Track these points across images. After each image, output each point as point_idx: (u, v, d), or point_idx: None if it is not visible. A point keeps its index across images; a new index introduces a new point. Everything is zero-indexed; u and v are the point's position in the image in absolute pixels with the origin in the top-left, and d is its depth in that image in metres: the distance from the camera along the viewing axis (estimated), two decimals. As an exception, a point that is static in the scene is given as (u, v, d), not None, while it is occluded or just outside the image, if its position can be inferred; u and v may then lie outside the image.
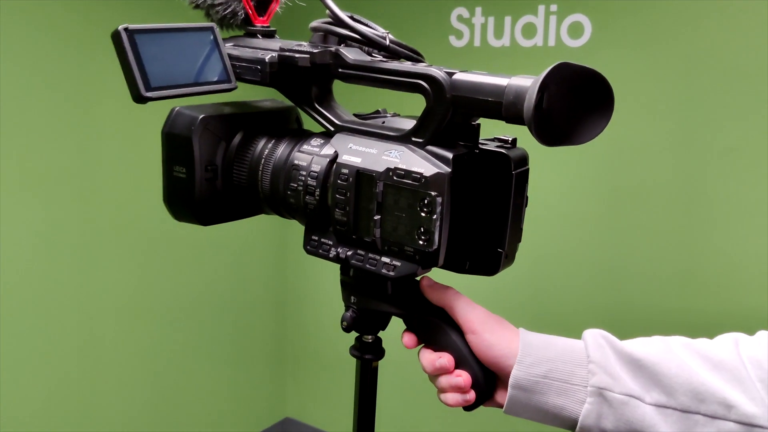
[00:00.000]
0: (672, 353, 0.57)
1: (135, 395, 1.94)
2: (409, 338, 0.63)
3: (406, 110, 0.69)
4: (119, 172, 1.79)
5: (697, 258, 1.55)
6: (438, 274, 0.62)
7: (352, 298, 0.65)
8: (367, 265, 0.61)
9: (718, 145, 1.50)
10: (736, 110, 1.46)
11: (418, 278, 0.64)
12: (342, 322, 0.65)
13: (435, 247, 0.56)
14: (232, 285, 2.18)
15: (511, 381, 0.58)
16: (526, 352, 0.58)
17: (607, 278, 1.68)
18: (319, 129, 0.67)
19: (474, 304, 0.61)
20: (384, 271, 0.60)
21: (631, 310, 1.64)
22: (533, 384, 0.58)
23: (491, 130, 0.61)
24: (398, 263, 0.59)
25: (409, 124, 0.61)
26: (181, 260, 2.00)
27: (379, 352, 0.68)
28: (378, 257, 0.60)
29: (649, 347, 0.58)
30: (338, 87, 0.68)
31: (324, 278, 2.26)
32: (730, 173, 1.49)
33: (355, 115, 0.67)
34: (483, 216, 0.59)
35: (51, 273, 1.68)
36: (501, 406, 0.61)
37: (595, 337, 0.59)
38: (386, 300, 0.63)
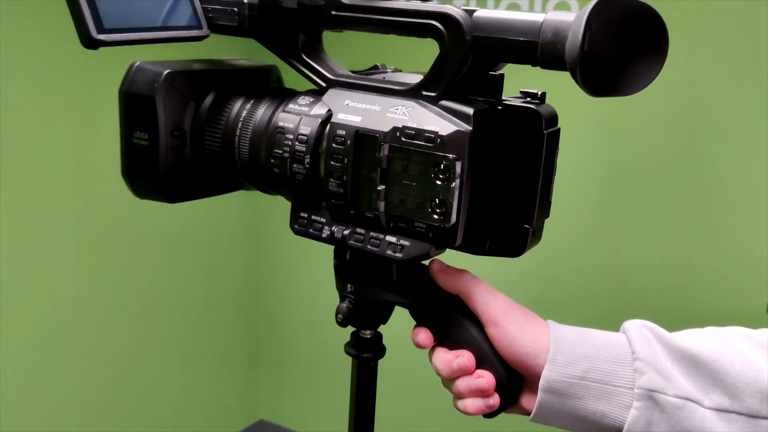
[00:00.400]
0: (733, 347, 0.48)
1: (104, 399, 1.83)
2: (425, 335, 0.53)
3: (408, 68, 0.59)
4: (79, 166, 1.66)
5: (698, 248, 1.49)
6: (448, 259, 0.53)
7: (349, 286, 0.55)
8: (369, 246, 0.51)
9: (720, 129, 1.43)
10: (739, 93, 1.40)
11: (427, 262, 0.54)
12: (337, 314, 0.55)
13: (452, 221, 0.47)
14: (201, 283, 2.07)
15: (541, 383, 0.49)
16: (559, 348, 0.49)
17: (606, 268, 1.61)
18: (306, 88, 0.56)
19: (495, 291, 0.52)
20: (389, 252, 0.50)
21: (631, 302, 1.57)
22: (568, 387, 0.48)
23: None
24: (406, 243, 0.49)
25: (416, 79, 0.51)
26: (148, 256, 1.88)
27: (380, 350, 0.58)
28: (382, 236, 0.50)
29: (704, 340, 0.49)
30: (325, 43, 0.58)
31: (300, 274, 2.17)
32: (734, 157, 1.42)
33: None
34: (507, 185, 0.50)
35: (17, 272, 1.56)
36: (527, 413, 0.52)
37: (639, 328, 0.50)
38: (391, 288, 0.53)
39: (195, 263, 2.04)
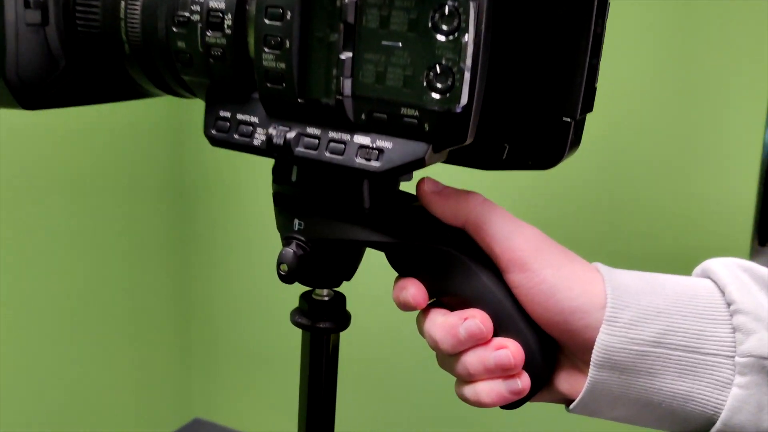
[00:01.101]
0: None
1: (25, 401, 1.61)
2: (416, 289, 0.35)
3: None
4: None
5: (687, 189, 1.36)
6: (440, 174, 0.35)
7: (297, 222, 0.37)
8: (327, 154, 0.33)
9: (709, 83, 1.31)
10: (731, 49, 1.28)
11: (415, 180, 0.36)
12: (279, 264, 0.37)
13: (463, 102, 0.29)
14: (126, 274, 1.86)
15: (596, 355, 0.32)
16: (621, 301, 0.32)
17: (602, 207, 1.46)
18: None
19: (518, 219, 0.34)
20: (360, 161, 0.32)
21: (623, 244, 1.43)
22: (637, 358, 0.32)
23: None
24: (387, 144, 0.31)
25: None
26: (63, 245, 1.65)
27: (342, 318, 0.41)
28: (347, 136, 0.32)
29: None
30: None
31: (235, 255, 1.97)
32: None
33: None
34: (539, 57, 0.33)
35: None
36: (564, 400, 0.35)
37: (731, 269, 0.34)
38: (361, 220, 0.35)
39: (117, 250, 1.82)
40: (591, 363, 0.32)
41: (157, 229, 1.99)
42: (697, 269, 0.36)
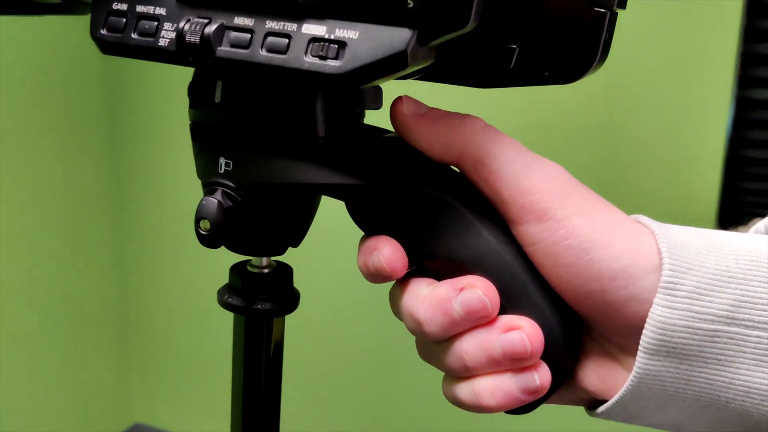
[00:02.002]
0: None
1: None
2: (393, 252, 0.25)
3: None
4: None
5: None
6: (424, 94, 0.26)
7: (223, 162, 0.27)
8: (263, 53, 0.23)
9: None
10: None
11: (387, 93, 0.26)
12: (198, 220, 0.26)
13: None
14: (61, 274, 1.72)
15: (648, 335, 0.23)
16: (680, 262, 0.23)
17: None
18: None
19: (532, 152, 0.25)
20: (311, 60, 0.22)
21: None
22: (704, 340, 0.23)
23: None
24: (350, 32, 0.22)
25: None
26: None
27: (288, 297, 0.30)
28: (293, 26, 0.22)
29: None
30: None
31: (173, 252, 1.85)
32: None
33: None
34: None
35: None
36: (588, 399, 0.26)
37: None
38: (312, 155, 0.25)
39: (50, 250, 1.69)
40: (640, 348, 0.23)
41: (94, 230, 1.87)
42: (759, 225, 0.27)
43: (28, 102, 1.43)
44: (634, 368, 0.23)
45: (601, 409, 0.25)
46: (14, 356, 1.75)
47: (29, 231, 1.66)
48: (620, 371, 0.25)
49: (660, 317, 0.23)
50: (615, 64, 1.28)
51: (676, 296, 0.23)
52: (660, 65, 1.19)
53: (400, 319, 0.26)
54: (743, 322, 0.23)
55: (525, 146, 0.25)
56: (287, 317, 0.31)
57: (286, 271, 0.30)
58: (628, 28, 1.19)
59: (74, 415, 1.87)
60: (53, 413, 1.80)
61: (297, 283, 0.31)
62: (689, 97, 1.17)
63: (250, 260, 0.30)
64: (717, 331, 0.23)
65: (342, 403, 1.55)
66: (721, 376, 0.23)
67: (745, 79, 1.16)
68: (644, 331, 0.23)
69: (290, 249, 0.29)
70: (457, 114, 0.25)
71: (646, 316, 0.23)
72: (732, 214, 1.24)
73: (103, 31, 0.25)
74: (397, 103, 0.25)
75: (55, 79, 1.46)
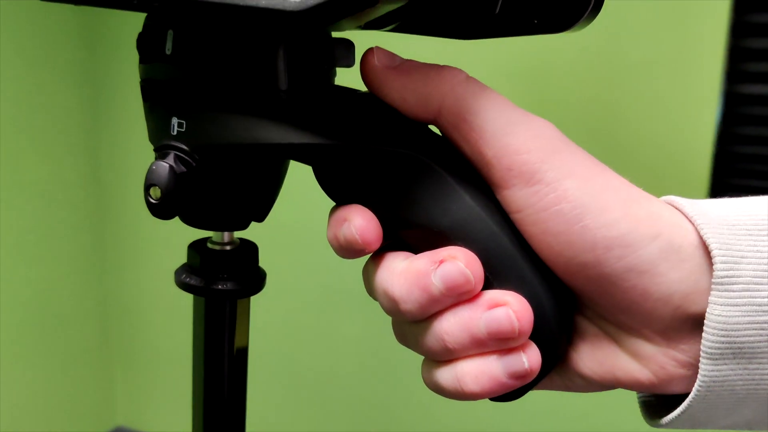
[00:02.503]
0: None
1: None
2: (366, 222, 0.22)
3: None
4: None
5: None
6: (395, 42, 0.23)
7: (176, 122, 0.24)
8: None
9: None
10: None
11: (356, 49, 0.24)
12: (147, 187, 0.23)
13: None
14: (41, 275, 1.69)
15: (711, 338, 0.21)
16: (731, 250, 0.21)
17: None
18: None
19: (519, 108, 0.22)
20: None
21: None
22: (756, 336, 0.20)
23: None
24: None
25: None
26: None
27: (252, 277, 0.28)
28: None
29: None
30: None
31: (152, 258, 1.82)
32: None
33: None
34: None
35: None
36: (583, 385, 0.24)
37: None
38: (274, 111, 0.22)
39: (29, 251, 1.65)
40: (702, 353, 0.21)
41: (74, 229, 1.84)
42: None
43: (3, 98, 1.39)
44: (699, 376, 0.21)
45: (665, 420, 0.23)
46: (4, 365, 1.71)
47: (7, 231, 1.63)
48: (619, 353, 0.22)
49: (720, 317, 0.20)
50: (603, 59, 1.27)
51: (733, 290, 0.20)
52: (648, 60, 1.17)
53: (375, 298, 0.24)
54: None
55: (512, 102, 0.22)
56: (253, 299, 0.28)
57: (250, 248, 0.27)
58: (617, 23, 1.18)
59: (57, 418, 1.85)
60: (36, 417, 1.78)
61: (263, 261, 0.28)
62: (678, 93, 1.16)
63: (211, 237, 0.27)
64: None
65: (325, 405, 1.52)
66: None
67: (734, 74, 1.14)
68: (704, 334, 0.21)
69: (256, 224, 0.27)
70: (435, 65, 0.22)
71: (646, 291, 0.21)
72: (722, 210, 1.22)
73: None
74: (367, 54, 0.23)
75: (32, 72, 1.43)
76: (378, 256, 0.23)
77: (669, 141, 1.19)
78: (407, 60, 0.23)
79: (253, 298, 0.28)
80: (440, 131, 0.23)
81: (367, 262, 0.24)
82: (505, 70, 1.14)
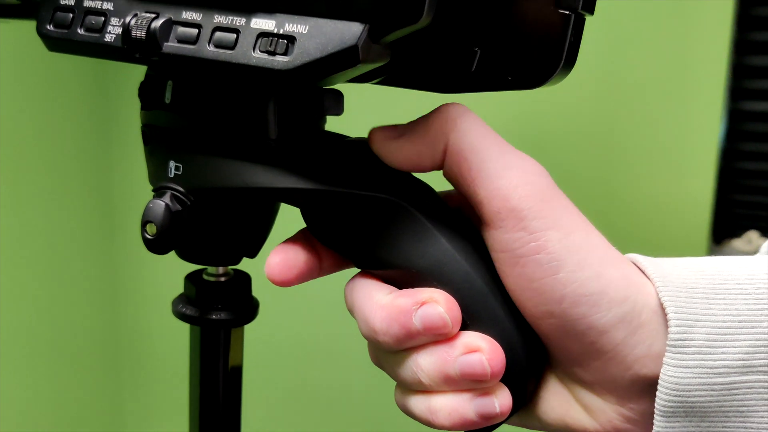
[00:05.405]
0: None
1: None
2: (281, 258, 0.25)
3: None
4: None
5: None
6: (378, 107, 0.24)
7: (173, 165, 0.25)
8: (211, 48, 0.22)
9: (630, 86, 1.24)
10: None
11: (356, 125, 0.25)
12: (144, 223, 0.25)
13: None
14: (50, 285, 1.68)
15: (664, 398, 0.22)
16: (686, 312, 0.22)
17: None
18: None
19: (517, 150, 0.24)
20: (260, 56, 0.21)
21: None
22: (723, 394, 0.22)
23: None
24: (300, 27, 0.21)
25: None
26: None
27: (245, 307, 0.29)
28: (241, 20, 0.21)
29: None
30: None
31: (162, 268, 1.81)
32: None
33: None
34: None
35: None
36: (536, 424, 0.25)
37: None
38: (265, 157, 0.24)
39: (39, 260, 1.65)
40: (656, 410, 0.22)
41: (83, 241, 1.82)
42: (765, 246, 0.26)
43: (12, 103, 1.41)
44: (653, 430, 0.22)
45: None
46: (10, 376, 1.70)
47: (13, 240, 1.64)
48: (572, 403, 0.23)
49: (673, 378, 0.21)
50: (605, 76, 1.28)
51: (686, 353, 0.21)
52: (651, 77, 1.18)
53: (353, 316, 0.25)
54: (760, 368, 0.21)
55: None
56: (254, 332, 0.30)
57: (243, 279, 0.29)
58: (619, 39, 1.19)
59: (61, 428, 1.82)
60: (40, 426, 1.75)
61: (257, 291, 0.30)
62: (681, 109, 1.16)
63: (206, 269, 0.29)
64: (734, 383, 0.21)
65: (297, 416, 1.53)
66: (746, 427, 0.22)
67: (737, 92, 1.15)
68: (658, 392, 0.22)
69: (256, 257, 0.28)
70: (436, 110, 0.24)
71: (603, 350, 0.22)
72: (726, 227, 1.23)
73: (50, 27, 0.24)
74: (370, 134, 0.24)
75: (40, 79, 1.44)
76: (363, 281, 0.24)
77: (673, 158, 1.20)
78: (407, 124, 0.24)
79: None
80: (444, 167, 0.24)
81: (351, 283, 0.25)
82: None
